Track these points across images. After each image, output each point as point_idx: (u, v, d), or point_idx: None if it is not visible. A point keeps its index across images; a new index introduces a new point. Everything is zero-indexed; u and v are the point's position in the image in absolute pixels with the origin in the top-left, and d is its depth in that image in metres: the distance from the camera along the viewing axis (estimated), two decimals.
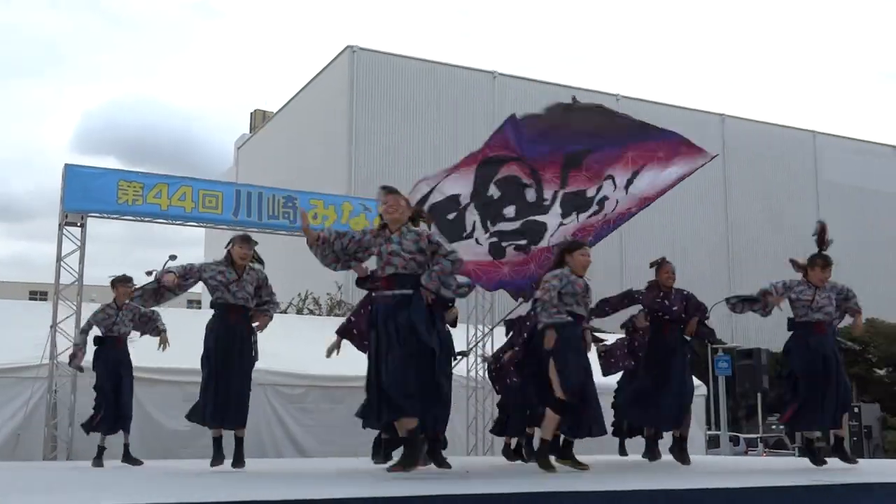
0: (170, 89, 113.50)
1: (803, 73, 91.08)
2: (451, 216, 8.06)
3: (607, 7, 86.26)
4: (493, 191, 8.22)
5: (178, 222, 12.12)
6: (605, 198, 8.39)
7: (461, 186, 8.14)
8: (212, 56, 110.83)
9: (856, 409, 26.91)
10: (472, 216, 8.17)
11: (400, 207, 5.95)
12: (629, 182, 8.36)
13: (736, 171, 45.37)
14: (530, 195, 8.24)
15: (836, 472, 6.22)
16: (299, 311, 26.31)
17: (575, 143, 8.28)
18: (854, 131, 75.09)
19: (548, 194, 8.30)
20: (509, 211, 8.24)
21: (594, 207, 8.37)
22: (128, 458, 8.58)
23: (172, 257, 7.30)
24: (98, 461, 8.49)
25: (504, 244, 8.24)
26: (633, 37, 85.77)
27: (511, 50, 79.50)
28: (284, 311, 24.51)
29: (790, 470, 7.09)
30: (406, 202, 6.04)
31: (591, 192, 8.33)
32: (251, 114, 53.62)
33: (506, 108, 42.10)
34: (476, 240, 8.13)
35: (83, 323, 8.96)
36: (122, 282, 8.64)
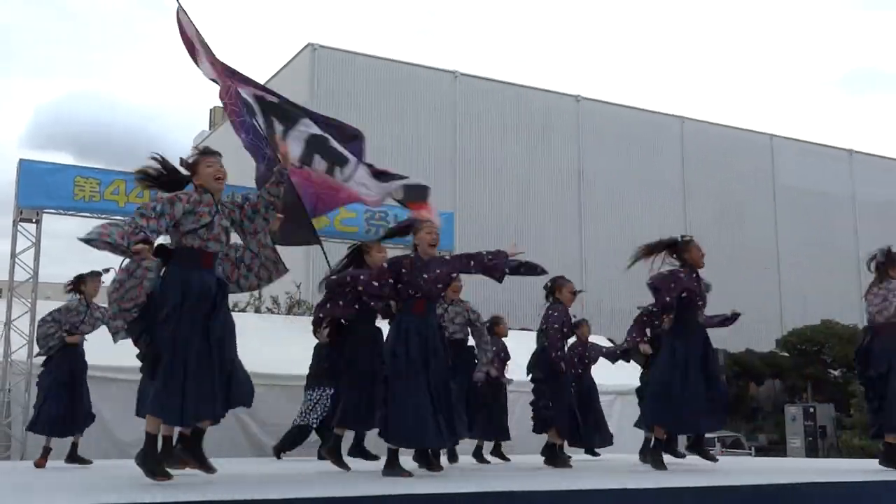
0: (127, 85, 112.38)
1: (761, 76, 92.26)
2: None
3: (568, 8, 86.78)
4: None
5: None
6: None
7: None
8: (170, 52, 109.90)
9: (811, 410, 27.30)
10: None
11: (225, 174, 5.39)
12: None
13: (694, 173, 45.79)
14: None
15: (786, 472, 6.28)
16: (257, 310, 26.07)
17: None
18: (810, 134, 76.26)
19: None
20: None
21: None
22: (74, 457, 8.39)
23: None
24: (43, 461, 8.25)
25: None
26: (594, 38, 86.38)
27: (472, 50, 79.68)
28: (243, 310, 24.28)
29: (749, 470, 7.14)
30: None
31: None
32: (210, 111, 53.14)
33: (467, 107, 42.43)
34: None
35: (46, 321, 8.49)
36: (93, 276, 8.27)
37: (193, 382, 4.84)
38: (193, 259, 5.05)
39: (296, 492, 4.09)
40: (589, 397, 9.56)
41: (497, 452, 9.87)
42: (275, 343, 11.02)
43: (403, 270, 6.09)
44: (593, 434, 9.37)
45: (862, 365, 7.05)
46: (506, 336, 9.92)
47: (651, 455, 7.11)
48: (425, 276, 6.09)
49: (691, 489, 4.79)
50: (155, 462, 4.89)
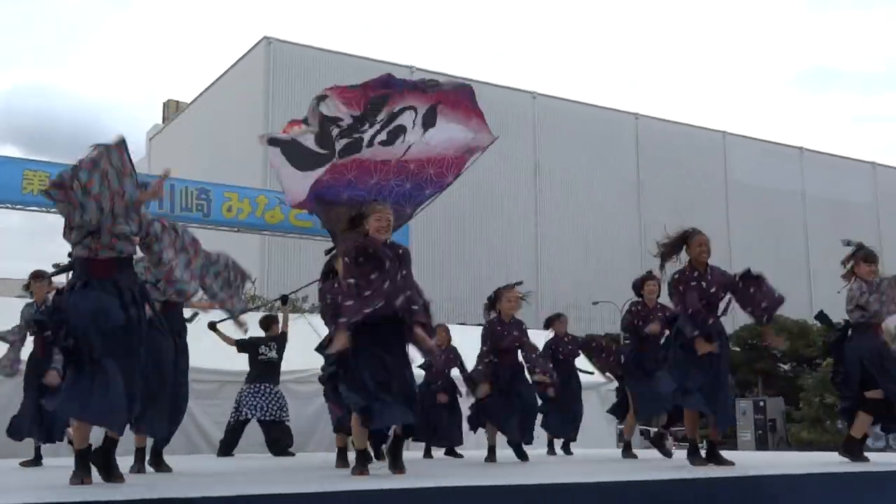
0: (76, 78, 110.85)
1: (718, 74, 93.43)
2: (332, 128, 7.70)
3: (525, 5, 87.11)
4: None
5: None
6: (402, 128, 7.80)
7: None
8: (122, 45, 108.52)
9: (761, 403, 27.73)
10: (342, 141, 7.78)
11: None
12: (425, 123, 7.80)
13: (648, 169, 46.26)
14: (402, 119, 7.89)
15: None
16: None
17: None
18: (764, 132, 77.35)
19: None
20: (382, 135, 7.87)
21: (383, 135, 7.81)
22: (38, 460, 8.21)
23: None
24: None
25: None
26: (551, 35, 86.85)
27: (429, 45, 79.74)
28: None
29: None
30: None
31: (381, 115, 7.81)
32: (164, 104, 52.65)
33: None
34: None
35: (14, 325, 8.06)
36: (36, 278, 7.64)
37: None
38: None
39: (220, 490, 4.03)
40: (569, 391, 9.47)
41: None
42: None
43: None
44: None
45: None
46: (445, 346, 9.70)
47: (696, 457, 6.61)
48: None
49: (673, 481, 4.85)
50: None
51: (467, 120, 8.03)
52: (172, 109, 50.73)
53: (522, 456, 7.79)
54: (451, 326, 10.10)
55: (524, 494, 4.37)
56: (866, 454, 6.71)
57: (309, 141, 7.88)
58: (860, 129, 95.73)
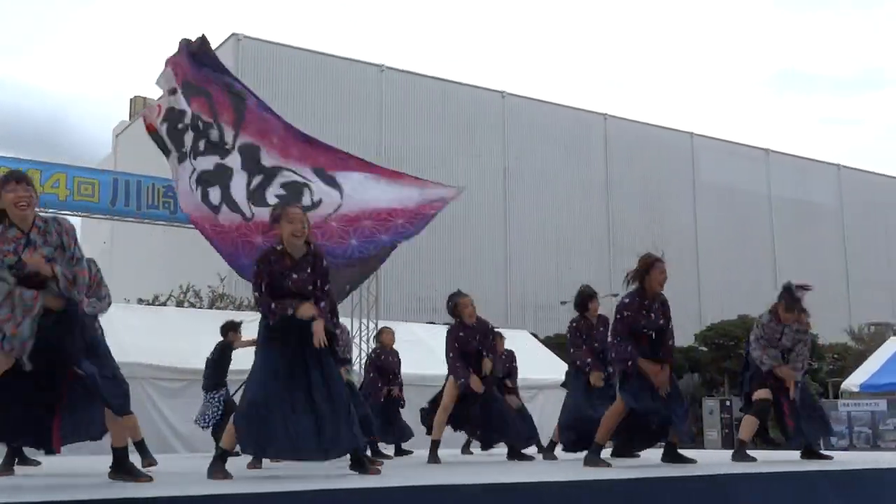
0: (38, 73, 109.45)
1: (685, 76, 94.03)
2: (179, 126, 7.67)
3: (493, 4, 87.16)
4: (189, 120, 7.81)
5: (51, 211, 11.62)
6: (306, 185, 7.47)
7: (184, 105, 7.75)
8: (89, 39, 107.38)
9: (727, 403, 27.96)
10: (189, 138, 7.70)
11: (33, 201, 4.58)
12: (329, 181, 7.46)
13: (617, 170, 46.45)
14: (214, 135, 7.77)
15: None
16: (179, 304, 25.59)
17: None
18: (735, 133, 78.02)
19: (228, 137, 7.77)
20: (201, 145, 7.72)
21: (278, 189, 7.51)
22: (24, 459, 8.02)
23: None
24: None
25: (213, 201, 7.46)
26: (521, 35, 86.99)
27: (398, 44, 79.59)
28: (164, 304, 23.80)
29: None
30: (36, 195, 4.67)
31: (283, 167, 7.61)
32: (131, 100, 52.13)
33: (393, 102, 42.21)
34: (190, 181, 7.52)
35: None
36: None
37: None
38: None
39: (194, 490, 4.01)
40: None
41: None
42: (197, 336, 10.80)
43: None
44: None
45: None
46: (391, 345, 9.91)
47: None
48: (294, 276, 5.32)
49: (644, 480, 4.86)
50: None
51: (420, 183, 7.72)
52: (140, 106, 50.21)
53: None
54: (419, 325, 10.13)
55: (499, 494, 4.37)
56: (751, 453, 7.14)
57: (162, 130, 7.76)
58: (826, 132, 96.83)
